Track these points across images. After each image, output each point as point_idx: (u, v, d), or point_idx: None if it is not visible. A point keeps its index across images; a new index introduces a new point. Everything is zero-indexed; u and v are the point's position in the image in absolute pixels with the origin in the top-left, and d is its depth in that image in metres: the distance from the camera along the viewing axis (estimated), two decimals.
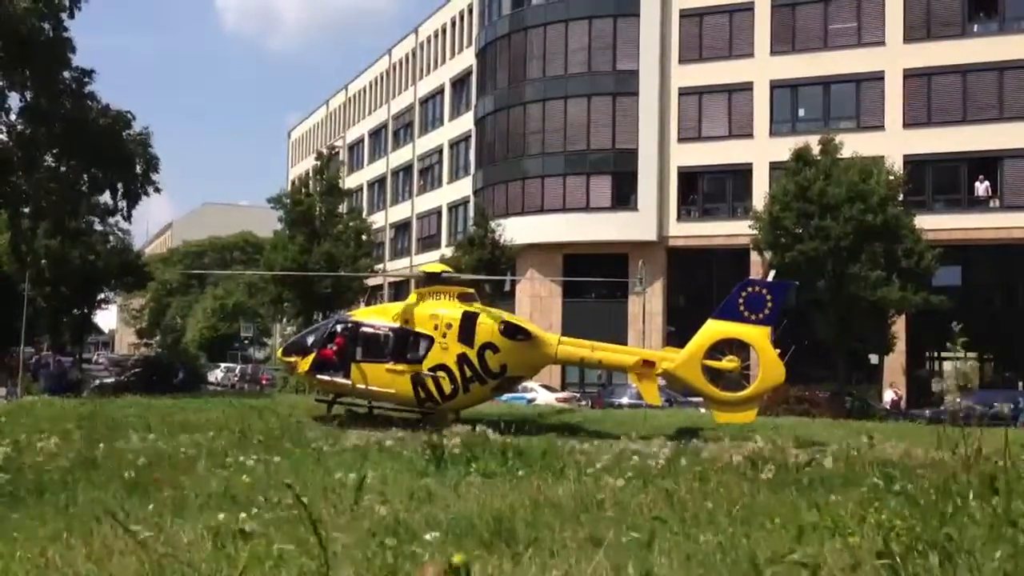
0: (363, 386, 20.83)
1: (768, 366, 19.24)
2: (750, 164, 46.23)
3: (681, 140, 48.06)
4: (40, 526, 7.82)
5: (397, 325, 21.07)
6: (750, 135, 46.66)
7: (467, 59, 59.30)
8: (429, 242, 64.21)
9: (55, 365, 47.50)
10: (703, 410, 23.86)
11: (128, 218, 40.20)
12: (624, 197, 48.40)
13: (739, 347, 19.88)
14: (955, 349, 8.04)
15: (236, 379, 63.59)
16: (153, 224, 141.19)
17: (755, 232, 36.35)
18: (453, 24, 62.97)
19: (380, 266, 63.22)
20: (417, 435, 14.30)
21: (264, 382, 57.04)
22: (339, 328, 22.18)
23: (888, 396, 39.45)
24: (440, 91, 64.85)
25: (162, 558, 5.60)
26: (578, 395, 42.03)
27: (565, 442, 14.20)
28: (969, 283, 42.80)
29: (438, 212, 63.79)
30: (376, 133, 76.49)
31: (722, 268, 45.12)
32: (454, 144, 62.16)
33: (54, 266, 48.47)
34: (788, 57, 46.01)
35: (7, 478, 10.19)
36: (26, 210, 37.21)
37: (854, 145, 36.50)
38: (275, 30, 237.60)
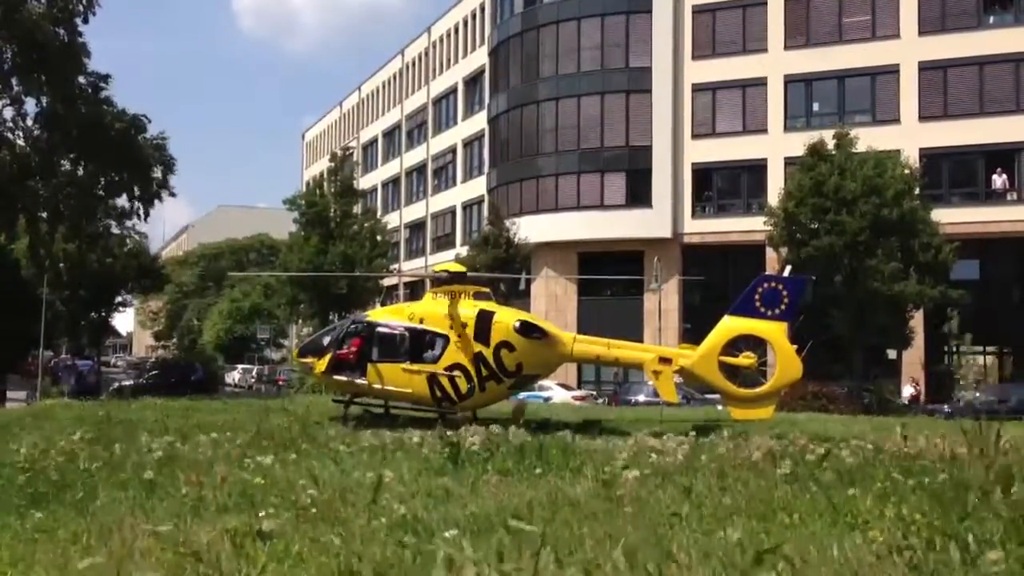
0: (379, 386, 20.82)
1: (785, 362, 19.10)
2: (764, 160, 46.06)
3: (695, 136, 47.92)
4: (60, 527, 7.88)
5: (413, 325, 21.04)
6: (764, 130, 46.47)
7: (480, 58, 59.33)
8: (444, 241, 64.29)
9: (73, 368, 47.90)
10: (720, 407, 23.78)
11: (145, 218, 40.15)
12: (638, 194, 48.29)
13: (756, 343, 19.77)
14: (954, 339, 8.01)
15: (253, 380, 63.95)
16: (170, 227, 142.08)
17: (770, 228, 36.21)
18: (465, 23, 63.02)
19: (395, 266, 63.37)
20: (434, 434, 14.31)
21: (281, 383, 57.29)
22: (355, 328, 22.17)
23: (907, 391, 39.22)
24: (453, 90, 64.92)
25: (182, 558, 5.64)
26: (595, 393, 42.02)
27: (582, 440, 14.18)
28: (987, 277, 42.48)
29: (452, 211, 63.86)
30: (390, 133, 76.64)
31: (737, 264, 44.96)
32: (468, 143, 62.21)
33: (72, 270, 48.85)
34: (802, 51, 45.81)
35: (28, 479, 10.28)
36: (44, 215, 37.47)
37: (869, 139, 36.33)
38: (291, 32, 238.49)
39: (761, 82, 46.59)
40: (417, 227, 69.96)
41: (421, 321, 20.98)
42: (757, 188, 46.14)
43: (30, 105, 34.60)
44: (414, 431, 15.94)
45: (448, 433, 13.28)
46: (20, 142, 35.21)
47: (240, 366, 71.91)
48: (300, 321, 58.84)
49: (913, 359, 40.95)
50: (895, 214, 33.18)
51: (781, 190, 37.38)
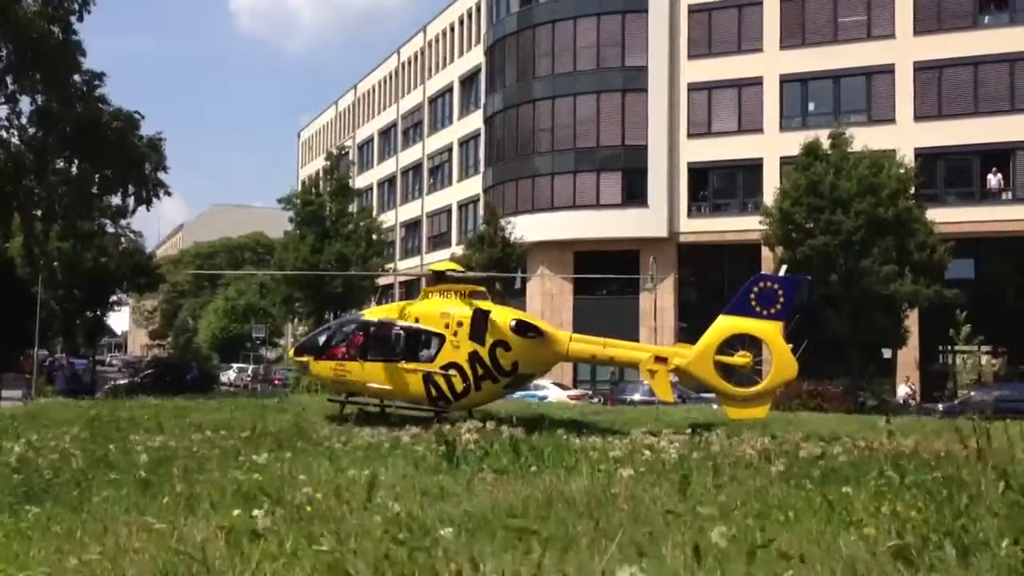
0: (375, 385, 20.84)
1: (780, 361, 19.15)
2: (760, 159, 46.09)
3: (691, 136, 47.95)
4: (55, 525, 7.85)
5: (408, 324, 21.06)
6: (760, 130, 46.51)
7: (476, 57, 59.32)
8: (440, 241, 64.27)
9: (68, 367, 47.79)
10: (716, 406, 23.80)
11: (139, 210, 39.84)
12: (634, 193, 48.31)
13: (751, 342, 19.80)
14: (958, 340, 8.00)
15: (248, 379, 63.79)
16: (165, 226, 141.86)
17: (766, 227, 36.23)
18: (461, 22, 62.99)
19: (391, 265, 63.32)
20: (430, 433, 14.29)
21: (276, 382, 57.21)
22: (350, 328, 22.24)
23: (902, 391, 39.27)
24: (449, 89, 64.89)
25: (176, 556, 5.62)
26: (590, 392, 42.02)
27: (577, 438, 14.17)
28: (982, 276, 42.56)
29: (448, 211, 63.84)
30: (386, 132, 76.60)
31: (733, 264, 44.99)
32: (464, 142, 62.19)
33: (67, 268, 48.69)
34: (798, 51, 45.86)
35: (22, 478, 10.25)
36: (38, 213, 37.36)
37: (865, 139, 36.35)
38: (288, 31, 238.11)
39: (757, 82, 46.63)
40: (413, 226, 69.94)
41: (417, 320, 20.99)
42: (753, 187, 46.18)
43: (25, 103, 34.54)
44: (410, 429, 15.93)
45: (445, 430, 13.27)
46: (15, 140, 35.12)
47: (236, 365, 71.78)
48: (296, 320, 58.82)
49: (908, 358, 41.01)
50: (890, 214, 33.21)
51: (777, 189, 37.40)
